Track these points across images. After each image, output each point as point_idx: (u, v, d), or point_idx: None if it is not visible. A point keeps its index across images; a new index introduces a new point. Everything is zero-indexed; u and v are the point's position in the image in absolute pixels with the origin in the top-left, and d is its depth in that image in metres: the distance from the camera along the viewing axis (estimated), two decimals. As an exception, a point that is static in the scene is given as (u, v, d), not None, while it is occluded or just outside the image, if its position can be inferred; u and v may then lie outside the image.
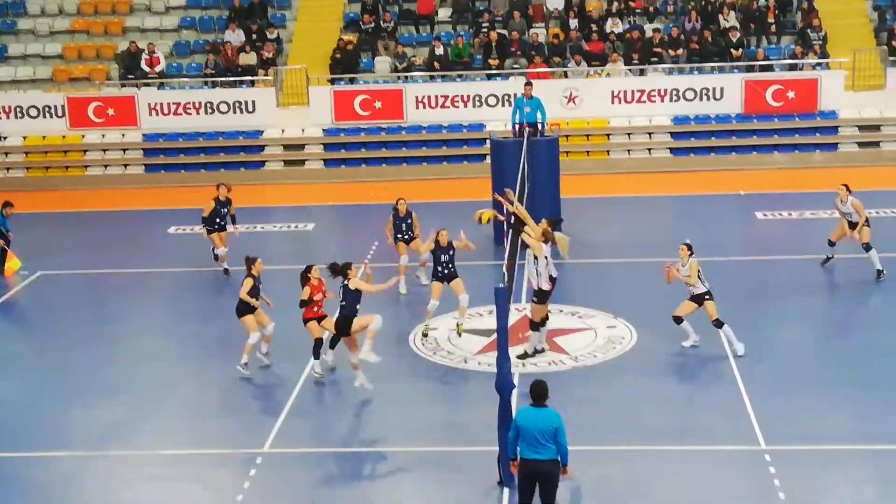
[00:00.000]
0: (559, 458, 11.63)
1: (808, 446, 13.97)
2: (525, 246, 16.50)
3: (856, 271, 20.06)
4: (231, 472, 13.99)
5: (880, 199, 24.69)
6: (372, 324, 15.85)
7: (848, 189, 19.89)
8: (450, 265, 18.03)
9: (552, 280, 16.61)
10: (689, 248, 16.87)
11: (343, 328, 15.93)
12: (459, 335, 17.80)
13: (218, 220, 21.33)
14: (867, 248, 19.67)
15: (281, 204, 27.24)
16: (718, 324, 16.79)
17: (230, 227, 21.38)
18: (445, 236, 18.00)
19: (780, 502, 12.69)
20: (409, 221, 20.28)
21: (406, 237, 20.28)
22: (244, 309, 16.73)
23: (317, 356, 16.40)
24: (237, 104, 30.26)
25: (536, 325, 16.87)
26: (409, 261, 20.30)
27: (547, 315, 17.04)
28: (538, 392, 11.70)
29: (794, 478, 13.20)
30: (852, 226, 19.86)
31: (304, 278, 16.40)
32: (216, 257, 21.58)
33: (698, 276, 16.72)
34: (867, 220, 19.79)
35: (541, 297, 16.65)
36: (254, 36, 32.15)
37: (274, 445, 14.63)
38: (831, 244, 20.33)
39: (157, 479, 13.97)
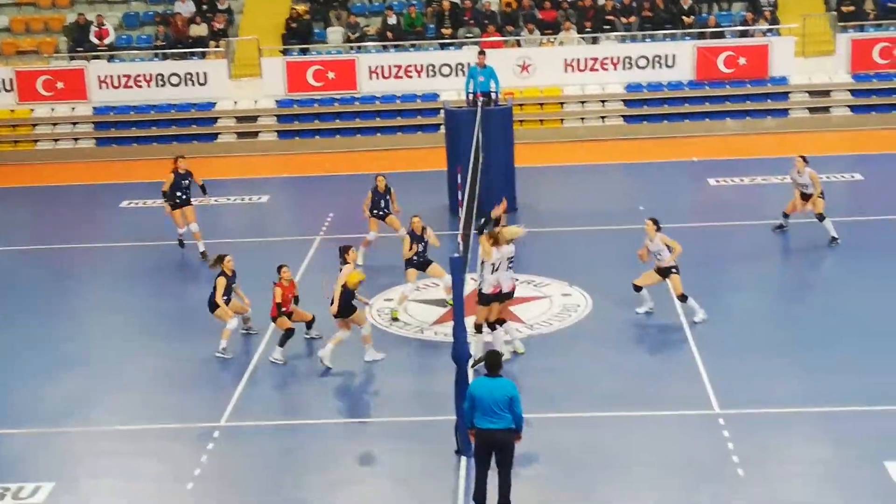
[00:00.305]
0: (514, 427, 11.71)
1: (760, 409, 14.16)
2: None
3: (808, 236, 20.28)
4: (188, 447, 13.96)
5: (830, 164, 24.96)
6: (363, 329, 15.95)
7: (805, 160, 19.98)
8: (424, 253, 17.77)
9: (499, 285, 15.68)
10: (656, 222, 16.91)
11: (344, 313, 15.78)
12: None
13: (179, 194, 20.70)
14: (821, 218, 19.85)
15: (234, 176, 27.06)
16: (683, 298, 16.91)
17: (197, 201, 20.94)
18: (419, 224, 17.66)
19: (734, 465, 12.86)
20: (388, 198, 20.07)
21: (382, 213, 20.05)
22: (216, 303, 16.56)
23: (282, 344, 16.25)
24: (188, 76, 29.99)
25: (479, 328, 15.84)
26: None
27: (499, 320, 15.89)
28: (493, 362, 11.75)
29: (747, 441, 13.37)
30: (805, 197, 19.99)
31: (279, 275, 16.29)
32: (181, 244, 20.93)
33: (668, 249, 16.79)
34: (822, 192, 19.94)
35: (481, 299, 15.79)
36: (204, 7, 31.81)
37: (231, 419, 14.60)
38: (785, 216, 20.49)
39: (113, 454, 13.92)
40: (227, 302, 16.54)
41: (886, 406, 14.10)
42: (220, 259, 16.61)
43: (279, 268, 16.34)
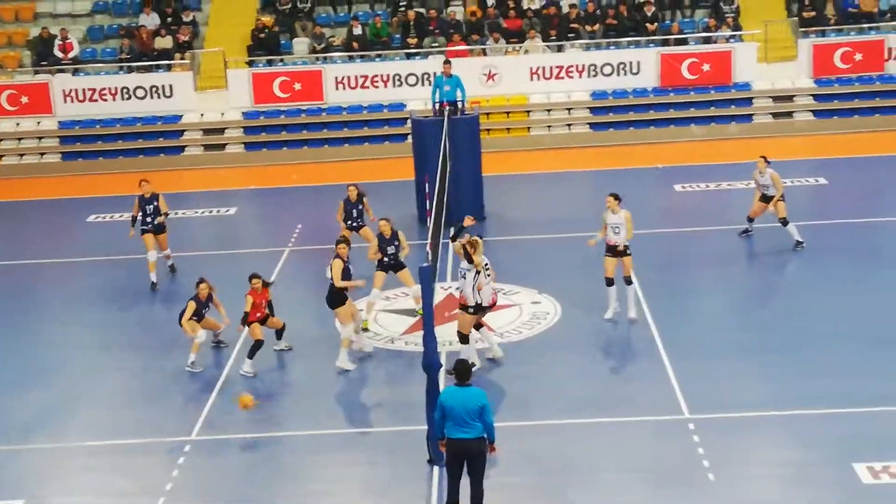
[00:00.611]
0: (486, 436, 11.72)
1: (729, 414, 14.27)
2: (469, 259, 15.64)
3: (773, 241, 20.44)
4: (159, 461, 13.91)
5: (794, 168, 25.18)
6: (343, 331, 16.13)
7: (766, 161, 20.12)
8: (396, 254, 17.75)
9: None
10: (617, 197, 17.06)
11: (334, 303, 16.19)
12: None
13: (147, 220, 19.96)
14: (784, 222, 19.97)
15: (201, 189, 26.98)
16: (629, 280, 17.10)
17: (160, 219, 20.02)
18: (388, 227, 17.66)
19: (704, 469, 12.95)
20: (360, 207, 19.79)
21: (356, 224, 19.75)
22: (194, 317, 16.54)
23: (251, 356, 16.22)
24: (154, 89, 29.89)
25: (466, 338, 15.80)
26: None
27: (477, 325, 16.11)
28: (462, 371, 11.76)
29: (717, 445, 13.48)
30: (766, 199, 20.12)
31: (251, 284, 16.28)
32: (153, 286, 19.86)
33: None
34: (783, 194, 20.03)
35: (477, 309, 15.75)
36: (169, 19, 31.72)
37: (202, 432, 14.56)
38: (750, 221, 20.64)
39: (84, 470, 13.85)
40: (200, 318, 16.52)
41: (854, 408, 14.24)
42: (197, 284, 16.61)
43: (250, 278, 16.32)
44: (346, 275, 16.20)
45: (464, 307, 15.72)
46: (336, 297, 16.19)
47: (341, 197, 19.90)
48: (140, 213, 20.00)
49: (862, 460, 12.87)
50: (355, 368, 16.15)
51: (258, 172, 28.52)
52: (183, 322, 16.44)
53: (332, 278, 16.13)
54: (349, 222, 19.67)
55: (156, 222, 19.98)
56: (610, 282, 17.23)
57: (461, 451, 11.67)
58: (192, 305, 16.44)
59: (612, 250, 17.12)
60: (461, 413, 11.56)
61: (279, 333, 16.75)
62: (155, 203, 20.02)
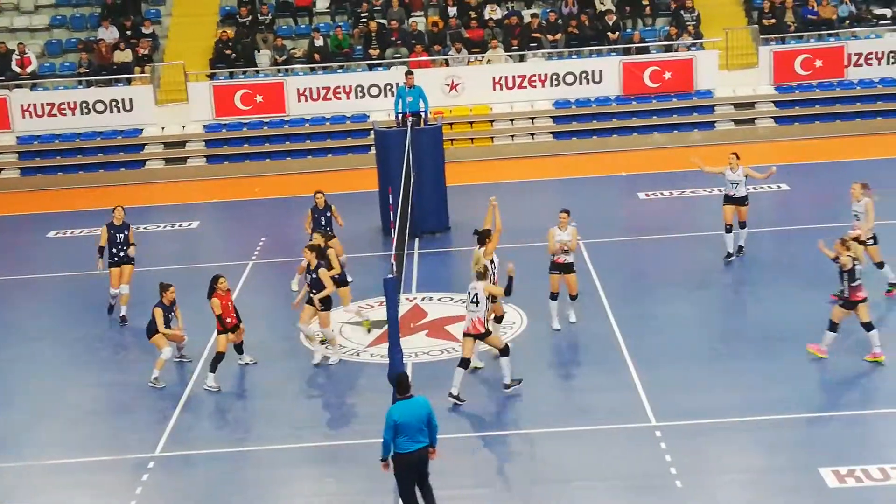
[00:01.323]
0: (431, 441, 11.79)
1: (696, 420, 14.27)
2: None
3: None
4: (123, 478, 13.74)
5: (757, 174, 25.29)
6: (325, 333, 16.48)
7: (737, 157, 19.84)
8: (328, 226, 18.62)
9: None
10: (569, 213, 17.21)
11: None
12: (369, 331, 17.65)
13: (114, 251, 18.75)
14: (742, 225, 19.82)
15: (163, 203, 26.80)
16: (575, 297, 17.20)
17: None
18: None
19: (672, 477, 12.94)
20: (329, 215, 19.47)
21: (324, 232, 19.20)
22: (153, 330, 16.31)
23: (213, 369, 16.05)
24: (114, 103, 29.67)
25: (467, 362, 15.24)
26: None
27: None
28: (403, 383, 11.76)
29: (684, 452, 13.48)
30: (732, 200, 19.65)
31: (211, 289, 16.12)
32: (110, 309, 19.00)
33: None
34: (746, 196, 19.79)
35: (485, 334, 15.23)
36: (128, 32, 31.50)
37: (166, 449, 14.41)
38: (729, 230, 19.82)
39: (46, 489, 13.66)
40: (154, 329, 16.32)
41: (819, 413, 14.30)
42: (165, 288, 16.40)
43: (215, 278, 16.16)
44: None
45: (478, 334, 15.04)
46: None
47: (306, 207, 19.77)
48: (107, 243, 18.74)
49: (828, 465, 12.91)
50: (323, 382, 16.01)
51: (220, 185, 28.35)
52: (156, 338, 16.21)
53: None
54: (317, 229, 19.17)
55: (126, 253, 18.74)
56: (555, 296, 17.23)
57: (415, 463, 11.67)
58: (159, 312, 16.24)
59: (561, 267, 17.10)
60: (415, 424, 11.57)
61: (239, 347, 16.60)
62: (126, 233, 18.79)
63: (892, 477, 12.60)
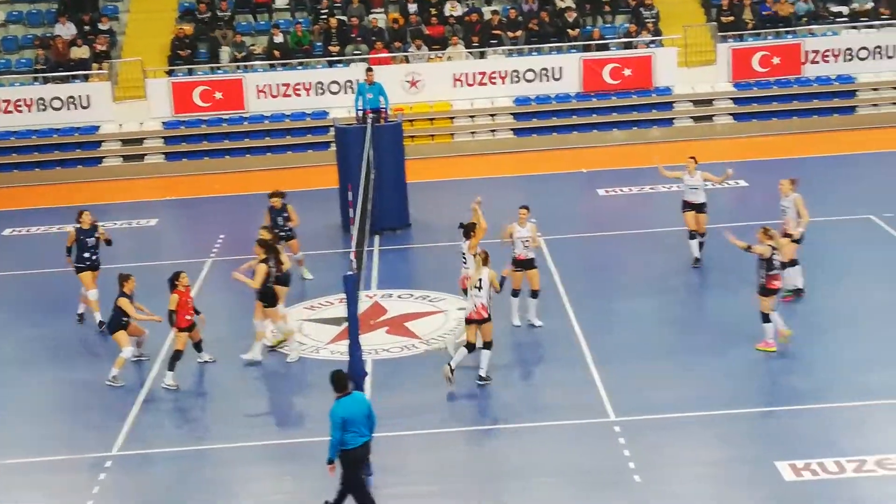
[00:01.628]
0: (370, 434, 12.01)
1: (654, 416, 14.35)
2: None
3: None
4: (80, 478, 13.63)
5: (716, 171, 25.36)
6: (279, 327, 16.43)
7: (695, 160, 19.52)
8: (286, 227, 18.88)
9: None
10: (528, 209, 17.15)
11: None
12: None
13: (87, 255, 18.10)
14: (701, 235, 19.51)
15: (121, 200, 26.57)
16: (536, 294, 17.13)
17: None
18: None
19: (630, 471, 13.00)
20: (286, 215, 19.24)
21: (284, 233, 19.04)
22: (116, 325, 16.20)
23: (171, 367, 15.97)
24: (71, 100, 29.37)
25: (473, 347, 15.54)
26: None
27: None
28: (341, 379, 11.91)
29: (642, 447, 13.55)
30: (690, 206, 19.38)
31: (172, 285, 16.01)
32: (80, 317, 18.46)
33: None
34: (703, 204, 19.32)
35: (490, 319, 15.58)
36: (85, 28, 31.19)
37: (124, 448, 14.31)
38: (693, 237, 19.58)
39: (4, 489, 13.51)
40: (127, 325, 16.21)
41: (775, 407, 14.42)
42: (125, 278, 16.30)
43: (176, 274, 16.07)
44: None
45: (486, 318, 15.33)
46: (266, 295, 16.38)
47: (264, 205, 19.65)
48: (76, 247, 18.10)
49: (784, 458, 13.03)
50: (282, 380, 15.94)
51: (179, 183, 28.16)
52: (118, 334, 16.11)
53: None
54: (276, 231, 18.94)
55: (98, 257, 18.21)
56: (516, 293, 17.24)
57: (362, 456, 11.91)
58: (125, 302, 16.10)
59: (523, 263, 17.10)
60: (361, 419, 11.79)
61: (198, 345, 16.50)
62: (96, 235, 18.16)
63: (847, 470, 12.74)
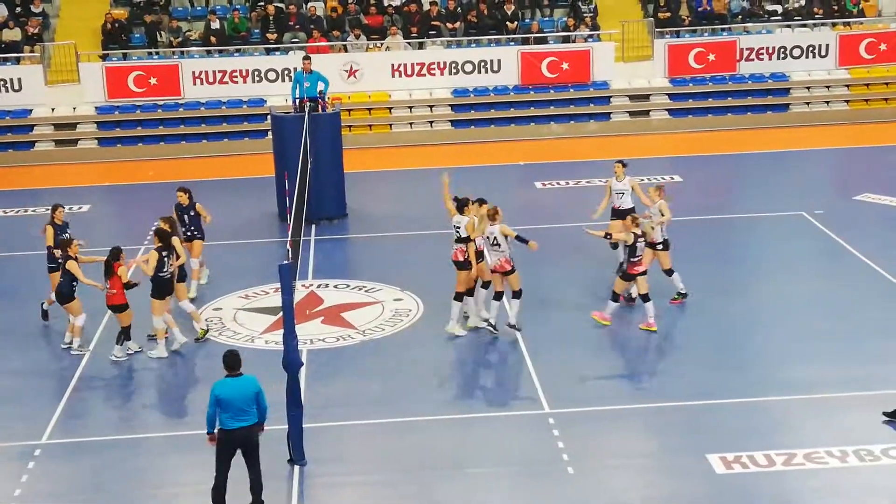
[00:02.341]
0: (260, 420, 11.98)
1: (588, 408, 14.45)
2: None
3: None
4: (7, 467, 13.41)
5: (651, 166, 25.70)
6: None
7: (624, 165, 18.72)
8: (192, 227, 18.26)
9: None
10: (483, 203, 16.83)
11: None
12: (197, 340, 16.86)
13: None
14: (615, 246, 18.57)
15: (53, 186, 26.16)
16: (518, 295, 16.88)
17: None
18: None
19: (564, 463, 13.08)
20: (193, 213, 18.36)
21: (189, 234, 18.17)
22: (68, 293, 16.11)
23: (121, 342, 16.02)
24: (2, 83, 28.87)
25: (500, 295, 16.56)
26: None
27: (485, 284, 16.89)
28: (233, 362, 11.89)
29: (576, 439, 13.63)
30: (619, 214, 18.42)
31: (112, 264, 15.86)
32: (45, 314, 17.62)
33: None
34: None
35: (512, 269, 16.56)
36: (17, 10, 30.65)
37: (53, 436, 14.11)
38: (614, 246, 18.87)
39: (-73, 479, 13.26)
40: (69, 294, 16.14)
41: (707, 400, 14.57)
42: (69, 243, 16.20)
43: (118, 253, 15.92)
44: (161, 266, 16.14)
45: (505, 271, 16.37)
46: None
47: (196, 193, 19.36)
48: (58, 245, 17.09)
49: (715, 451, 13.17)
50: (216, 368, 15.78)
51: (113, 168, 27.79)
52: (72, 303, 16.03)
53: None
54: (182, 230, 17.94)
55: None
56: (499, 296, 16.84)
57: (236, 441, 11.86)
58: (74, 265, 16.01)
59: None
60: (240, 402, 11.73)
61: (128, 333, 16.25)
62: (69, 231, 17.61)
63: (777, 463, 12.92)
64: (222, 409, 11.76)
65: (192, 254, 18.32)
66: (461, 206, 16.69)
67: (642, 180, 20.66)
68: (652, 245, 17.17)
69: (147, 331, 16.53)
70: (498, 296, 16.49)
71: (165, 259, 16.17)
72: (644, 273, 16.61)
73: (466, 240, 16.50)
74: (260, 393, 11.93)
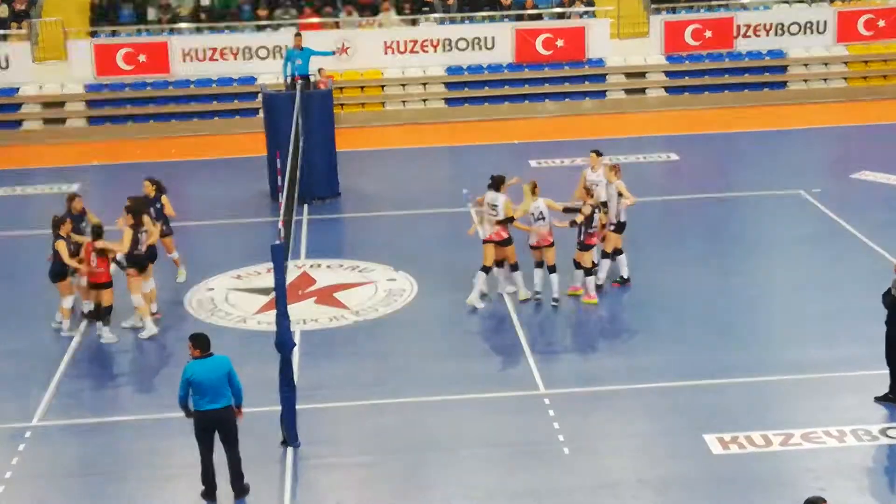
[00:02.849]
0: (235, 401, 11.85)
1: (583, 388, 14.32)
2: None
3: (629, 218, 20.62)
4: (-2, 449, 13.27)
5: (647, 144, 25.54)
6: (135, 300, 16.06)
7: (599, 154, 17.77)
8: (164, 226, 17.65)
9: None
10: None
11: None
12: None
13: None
14: (616, 254, 17.50)
15: (42, 165, 25.92)
16: (514, 268, 16.95)
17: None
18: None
19: (560, 444, 12.96)
20: (160, 206, 17.37)
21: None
22: (59, 272, 15.96)
23: (107, 322, 15.87)
24: (-11, 60, 28.62)
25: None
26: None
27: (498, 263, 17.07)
28: (203, 342, 11.76)
29: (571, 419, 13.51)
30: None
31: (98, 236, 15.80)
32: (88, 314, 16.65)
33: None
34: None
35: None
36: (5, -13, 30.32)
37: (44, 418, 13.96)
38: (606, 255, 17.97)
39: (-86, 462, 13.10)
40: (60, 273, 15.96)
41: (703, 381, 14.46)
42: (62, 220, 16.05)
43: (101, 230, 15.83)
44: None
45: (551, 244, 16.67)
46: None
47: (187, 173, 19.14)
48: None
49: (712, 431, 13.06)
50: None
51: (102, 147, 27.52)
52: (67, 261, 15.81)
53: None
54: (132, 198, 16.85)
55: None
56: (487, 269, 16.88)
57: (214, 422, 11.74)
58: (62, 245, 15.82)
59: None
60: (212, 383, 11.62)
61: (108, 314, 16.09)
62: (85, 220, 16.84)
63: (773, 443, 12.82)
64: (195, 391, 11.63)
65: (166, 249, 17.58)
66: (497, 183, 16.72)
67: (639, 158, 20.47)
68: (603, 225, 17.00)
69: (125, 318, 16.32)
70: (552, 269, 16.68)
71: (140, 236, 15.98)
72: (595, 245, 16.86)
73: (509, 220, 16.56)
74: (232, 372, 11.78)
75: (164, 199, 17.52)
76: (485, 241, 16.76)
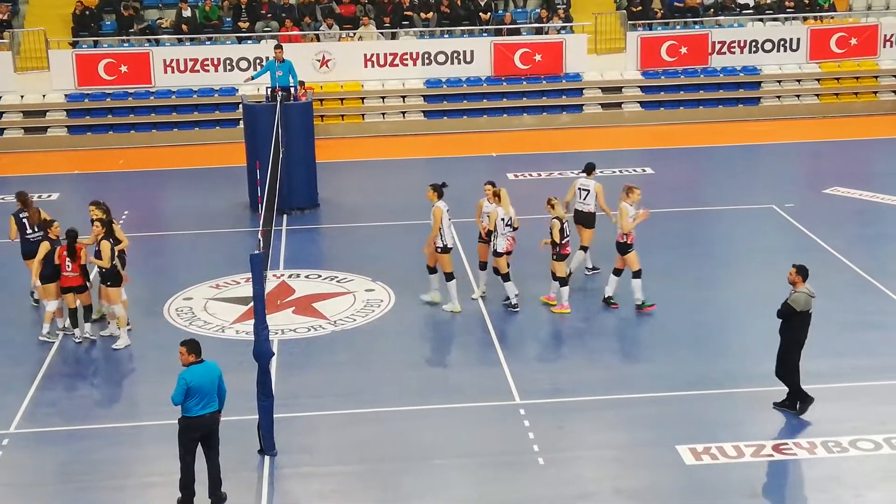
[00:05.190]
0: (220, 406, 12.03)
1: (559, 399, 14.47)
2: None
3: (602, 230, 20.82)
4: (-25, 457, 13.31)
5: (623, 158, 25.77)
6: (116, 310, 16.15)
7: (493, 185, 17.65)
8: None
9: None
10: (493, 184, 17.58)
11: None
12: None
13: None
14: (584, 249, 18.45)
15: (22, 174, 25.93)
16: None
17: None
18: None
19: (534, 454, 13.09)
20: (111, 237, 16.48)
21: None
22: (50, 275, 16.03)
23: (87, 319, 16.08)
24: (-30, 69, 28.62)
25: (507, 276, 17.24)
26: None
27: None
28: (197, 348, 11.92)
29: (546, 430, 13.65)
30: (582, 218, 18.47)
31: (75, 246, 15.87)
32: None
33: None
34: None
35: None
36: (-14, -4, 30.39)
37: (21, 425, 14.00)
38: (584, 249, 18.68)
39: None
40: (49, 276, 16.00)
41: (677, 392, 14.63)
42: (49, 223, 16.26)
43: (76, 235, 15.96)
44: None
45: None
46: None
47: (167, 183, 19.26)
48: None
49: (685, 442, 13.22)
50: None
51: (83, 157, 27.58)
52: (35, 259, 15.94)
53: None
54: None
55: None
56: (483, 266, 17.73)
57: (205, 426, 11.87)
58: (45, 246, 15.98)
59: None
60: (209, 388, 11.80)
61: (87, 314, 16.21)
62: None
63: (745, 454, 12.99)
64: (191, 396, 11.73)
65: (108, 300, 16.24)
66: (497, 195, 17.31)
67: (614, 171, 20.68)
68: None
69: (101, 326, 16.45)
70: (505, 277, 17.15)
71: (113, 246, 16.08)
72: (568, 255, 17.39)
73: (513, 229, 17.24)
74: (221, 377, 11.99)
75: (115, 226, 16.71)
76: (498, 254, 17.21)
